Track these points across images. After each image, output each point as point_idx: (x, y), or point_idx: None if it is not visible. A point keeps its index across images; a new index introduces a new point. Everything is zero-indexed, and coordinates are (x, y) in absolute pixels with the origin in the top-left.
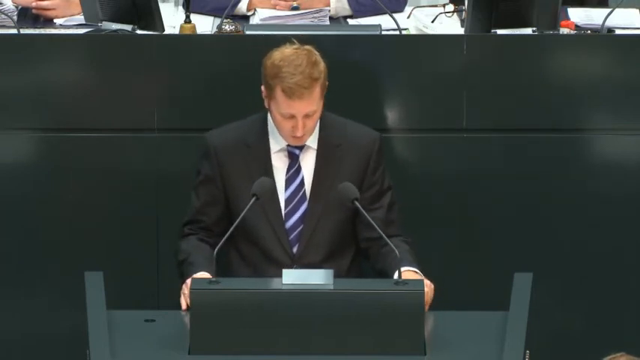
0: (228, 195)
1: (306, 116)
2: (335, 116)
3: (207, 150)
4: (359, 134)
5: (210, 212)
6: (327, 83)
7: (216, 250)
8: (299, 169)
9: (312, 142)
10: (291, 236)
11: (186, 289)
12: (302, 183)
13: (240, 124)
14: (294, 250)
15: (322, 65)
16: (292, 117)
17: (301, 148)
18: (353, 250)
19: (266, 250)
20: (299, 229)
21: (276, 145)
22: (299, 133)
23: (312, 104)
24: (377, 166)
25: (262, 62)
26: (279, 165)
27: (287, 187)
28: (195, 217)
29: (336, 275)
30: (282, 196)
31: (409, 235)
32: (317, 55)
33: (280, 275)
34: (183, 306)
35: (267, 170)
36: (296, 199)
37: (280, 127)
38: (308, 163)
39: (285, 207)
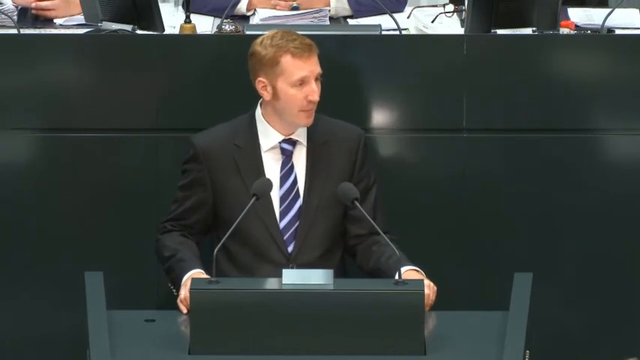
0: (218, 197)
1: (316, 80)
2: (318, 114)
3: (195, 153)
4: (344, 131)
5: (195, 213)
6: None
7: (215, 251)
8: (292, 167)
9: (303, 139)
10: (286, 235)
11: (183, 290)
12: (295, 180)
13: (226, 125)
14: (290, 249)
15: None
16: (304, 83)
17: (294, 144)
18: (341, 248)
19: (259, 251)
20: (294, 227)
21: (267, 143)
22: (316, 96)
23: (318, 65)
24: (363, 162)
25: (249, 57)
26: (271, 163)
27: (281, 184)
28: (179, 216)
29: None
30: (275, 195)
31: (394, 232)
32: None
33: (275, 275)
34: (184, 311)
35: (259, 169)
36: (290, 197)
37: (292, 102)
38: (300, 160)
39: (280, 205)
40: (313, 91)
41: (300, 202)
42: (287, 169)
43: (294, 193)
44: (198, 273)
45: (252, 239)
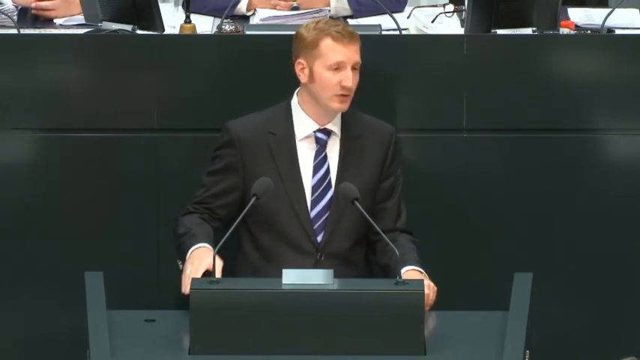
0: (250, 184)
1: (353, 68)
2: (352, 109)
3: (230, 139)
4: (377, 126)
5: (223, 199)
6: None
7: (215, 250)
8: (326, 157)
9: (338, 130)
10: (316, 225)
11: (189, 266)
12: (328, 170)
13: (262, 114)
14: (319, 238)
15: None
16: (340, 69)
17: (328, 134)
18: (366, 243)
19: (289, 239)
20: (324, 217)
21: (302, 132)
22: (349, 82)
23: (358, 53)
24: (394, 158)
25: (293, 40)
26: (306, 152)
27: (314, 174)
28: (205, 200)
29: (356, 267)
30: (308, 184)
31: (417, 236)
32: None
33: (304, 265)
34: (186, 289)
35: (293, 157)
36: (322, 187)
37: (326, 86)
38: (333, 151)
39: (312, 194)
40: (347, 77)
41: (331, 192)
42: (320, 159)
43: (326, 183)
44: (203, 247)
45: (282, 227)
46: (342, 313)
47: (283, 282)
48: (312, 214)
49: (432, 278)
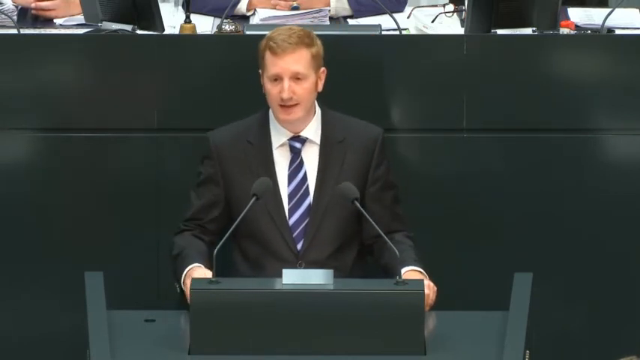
0: (230, 193)
1: (294, 79)
2: (337, 113)
3: (208, 149)
4: (361, 130)
5: (209, 212)
6: (322, 64)
7: (215, 250)
8: (301, 164)
9: (315, 137)
10: (295, 233)
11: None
12: (305, 178)
13: (242, 122)
14: (299, 246)
15: (317, 41)
16: (278, 80)
17: (303, 141)
18: (357, 247)
19: (269, 248)
20: (303, 224)
21: (278, 140)
22: (285, 94)
23: (298, 63)
24: (380, 161)
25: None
26: (281, 160)
27: (289, 182)
28: (194, 216)
29: (340, 273)
30: (284, 192)
31: (412, 231)
32: (313, 34)
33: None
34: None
35: (269, 166)
36: (299, 194)
37: (270, 97)
38: (311, 158)
39: (289, 202)
40: (283, 88)
41: (309, 199)
42: (295, 167)
43: (302, 190)
44: (196, 267)
45: (261, 235)
46: (342, 313)
47: (283, 282)
48: (291, 222)
49: (432, 278)
